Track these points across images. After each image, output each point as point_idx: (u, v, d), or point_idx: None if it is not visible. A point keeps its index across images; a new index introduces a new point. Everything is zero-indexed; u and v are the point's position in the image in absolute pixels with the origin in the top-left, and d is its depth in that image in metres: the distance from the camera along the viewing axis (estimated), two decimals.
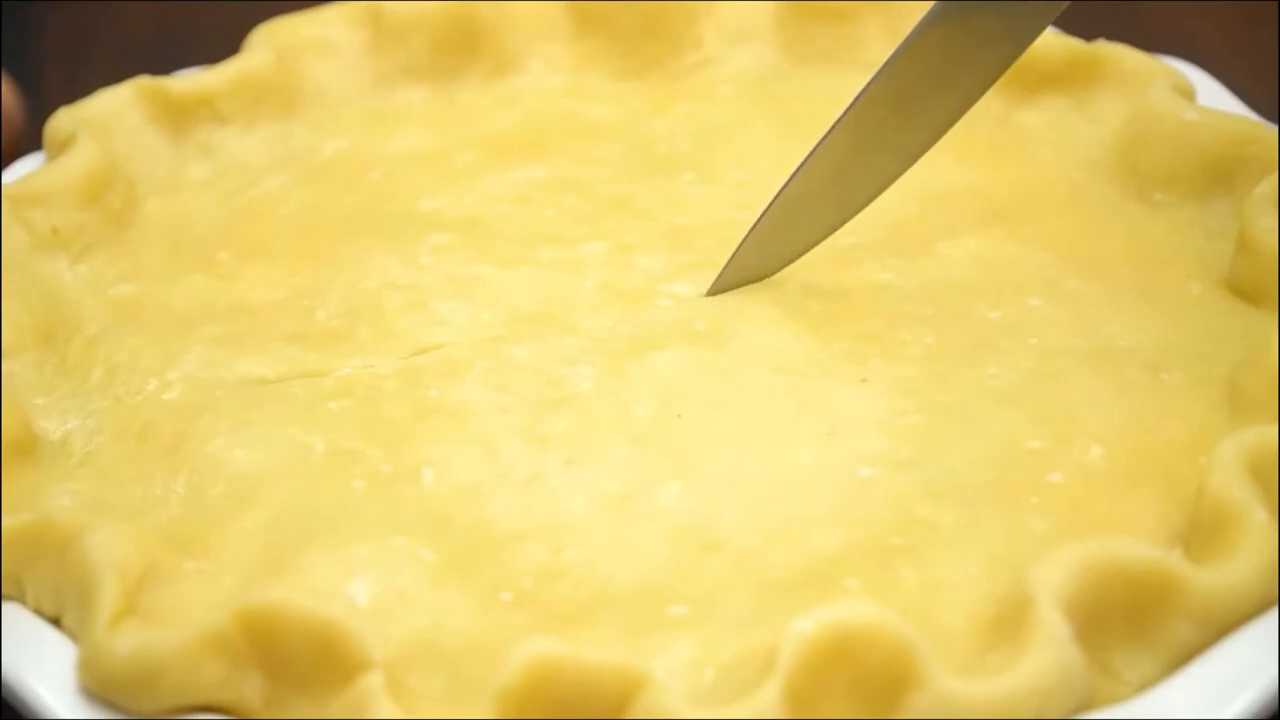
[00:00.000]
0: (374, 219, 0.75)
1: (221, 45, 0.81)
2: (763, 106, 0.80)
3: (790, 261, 0.70)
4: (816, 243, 0.70)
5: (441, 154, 0.78)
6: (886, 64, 0.67)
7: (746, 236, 0.69)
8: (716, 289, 0.70)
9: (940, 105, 0.68)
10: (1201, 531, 0.58)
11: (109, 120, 0.76)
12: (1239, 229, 0.68)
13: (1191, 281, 0.69)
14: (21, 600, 0.60)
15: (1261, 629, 0.56)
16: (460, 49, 0.82)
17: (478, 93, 0.82)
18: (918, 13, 0.79)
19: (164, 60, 0.82)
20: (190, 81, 0.78)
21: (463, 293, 0.71)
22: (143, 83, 0.77)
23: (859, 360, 0.67)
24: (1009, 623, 0.55)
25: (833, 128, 0.68)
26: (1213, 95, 0.77)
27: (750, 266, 0.70)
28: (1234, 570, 0.56)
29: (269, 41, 0.80)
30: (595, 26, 0.83)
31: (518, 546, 0.60)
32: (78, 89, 0.78)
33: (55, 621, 0.59)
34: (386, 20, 0.81)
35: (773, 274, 0.70)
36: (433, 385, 0.67)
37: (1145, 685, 0.55)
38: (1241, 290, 0.68)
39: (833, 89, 0.80)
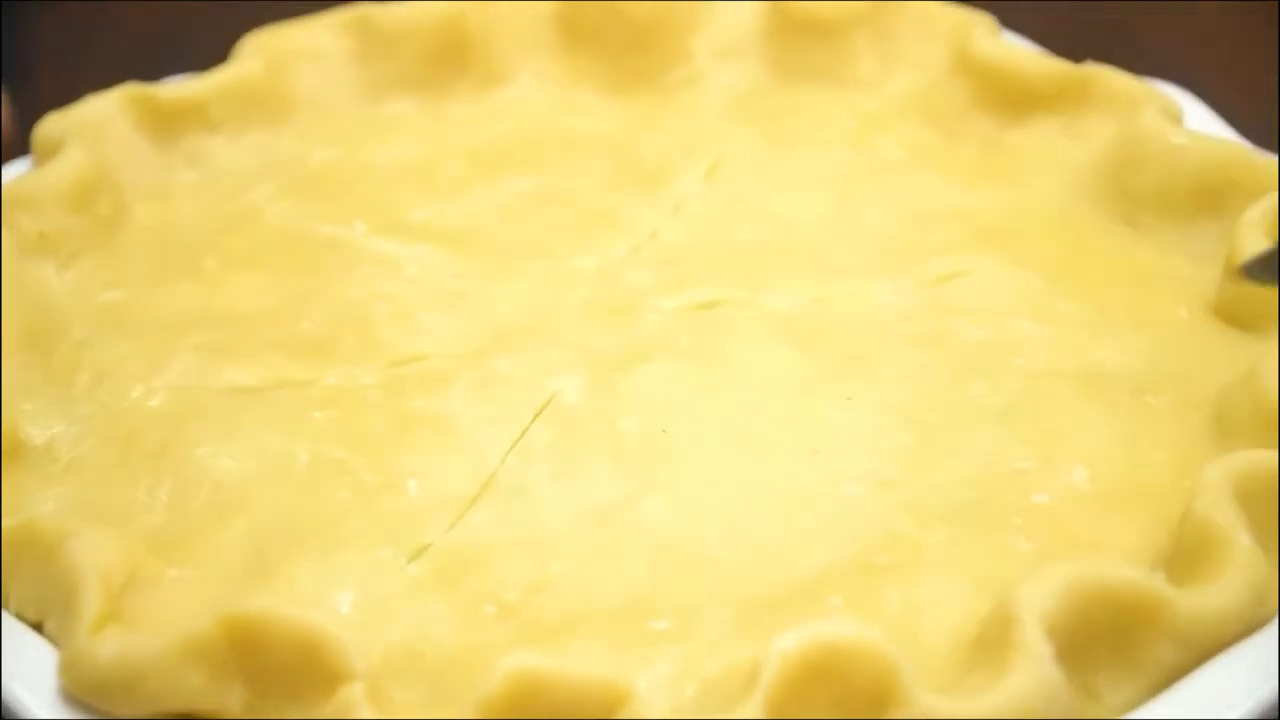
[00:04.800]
0: (361, 229, 0.75)
1: (211, 53, 0.81)
2: (751, 121, 0.80)
3: None
4: None
5: (430, 164, 0.78)
6: None
7: None
8: None
9: None
10: (1186, 555, 0.58)
11: (98, 126, 0.76)
12: (1226, 253, 0.68)
13: (1178, 305, 0.69)
14: (4, 605, 0.60)
15: (1244, 653, 0.56)
16: (450, 60, 0.81)
17: (467, 104, 0.82)
18: (906, 28, 0.80)
19: (153, 67, 0.82)
20: (179, 89, 0.78)
21: (448, 304, 0.71)
22: (132, 89, 0.77)
23: (845, 378, 0.67)
24: (992, 642, 0.55)
25: None
26: (1200, 119, 0.77)
27: None
28: (1218, 594, 0.56)
29: (258, 49, 0.80)
30: (585, 40, 0.82)
31: (502, 559, 0.60)
32: (67, 94, 0.77)
33: (38, 627, 0.59)
34: (376, 30, 0.81)
35: None
36: (418, 396, 0.66)
37: (1127, 707, 0.56)
38: (1228, 315, 0.68)
39: (821, 104, 0.80)
